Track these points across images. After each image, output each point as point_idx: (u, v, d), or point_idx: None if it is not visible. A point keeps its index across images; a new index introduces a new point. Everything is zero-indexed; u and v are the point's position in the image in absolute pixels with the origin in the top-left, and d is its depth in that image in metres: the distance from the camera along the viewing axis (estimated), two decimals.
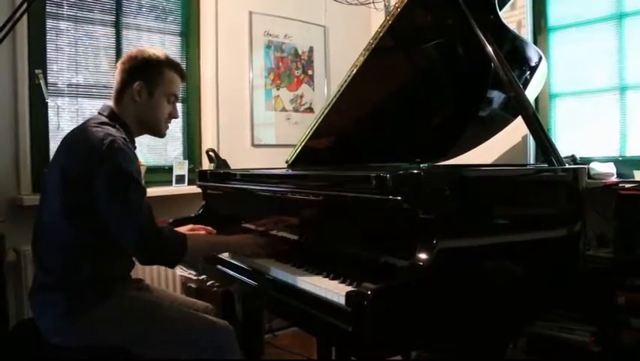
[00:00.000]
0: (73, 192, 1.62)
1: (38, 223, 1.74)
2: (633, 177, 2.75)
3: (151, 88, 1.79)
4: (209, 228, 2.06)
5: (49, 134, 2.73)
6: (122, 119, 1.78)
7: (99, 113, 1.81)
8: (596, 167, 2.78)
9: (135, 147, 1.85)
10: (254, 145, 3.50)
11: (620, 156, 2.94)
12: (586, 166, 1.86)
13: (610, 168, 2.80)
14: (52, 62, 2.77)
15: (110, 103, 1.83)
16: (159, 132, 1.90)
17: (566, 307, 2.79)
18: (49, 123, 2.74)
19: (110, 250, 1.68)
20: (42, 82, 2.64)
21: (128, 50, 3.01)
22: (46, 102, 2.70)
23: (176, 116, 1.91)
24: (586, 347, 2.73)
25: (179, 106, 3.22)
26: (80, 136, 1.69)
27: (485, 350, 1.47)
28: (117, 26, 3.01)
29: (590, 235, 2.65)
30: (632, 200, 2.54)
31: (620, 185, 2.61)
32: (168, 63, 1.84)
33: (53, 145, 2.70)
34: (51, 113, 2.76)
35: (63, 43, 2.82)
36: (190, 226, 2.05)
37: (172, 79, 1.84)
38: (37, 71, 2.64)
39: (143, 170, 2.89)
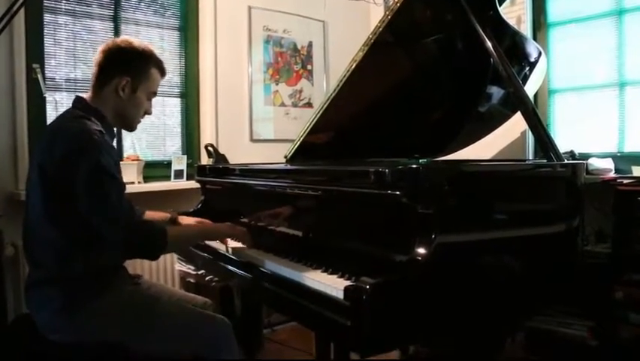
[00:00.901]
0: (54, 190, 1.60)
1: (26, 221, 1.73)
2: (631, 173, 2.75)
3: (135, 85, 1.78)
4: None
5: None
6: (99, 110, 1.75)
7: (73, 106, 1.77)
8: (595, 162, 2.78)
9: (114, 136, 1.85)
10: (253, 140, 3.50)
11: (619, 152, 2.94)
12: (584, 162, 1.86)
13: (608, 164, 2.80)
14: (50, 57, 2.77)
15: (85, 94, 1.80)
16: (132, 127, 1.89)
17: (564, 302, 2.80)
18: (47, 118, 2.73)
19: (97, 243, 1.66)
20: (40, 76, 2.63)
21: None
22: (44, 97, 2.69)
23: (150, 113, 1.90)
24: (584, 342, 2.74)
25: (177, 101, 3.27)
26: (56, 133, 1.67)
27: (484, 345, 1.47)
28: (116, 21, 3.01)
29: (588, 231, 2.66)
30: (630, 196, 2.54)
31: (619, 180, 2.61)
32: (155, 60, 1.83)
33: None
34: (49, 107, 2.75)
35: (61, 37, 2.82)
36: (196, 219, 2.07)
37: (155, 77, 1.84)
38: (34, 66, 2.63)
39: (141, 165, 2.89)
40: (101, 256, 1.69)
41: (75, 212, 1.58)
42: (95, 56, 1.80)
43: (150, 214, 2.09)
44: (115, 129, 1.87)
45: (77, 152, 1.57)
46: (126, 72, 1.76)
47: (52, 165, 1.59)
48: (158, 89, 1.90)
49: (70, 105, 1.79)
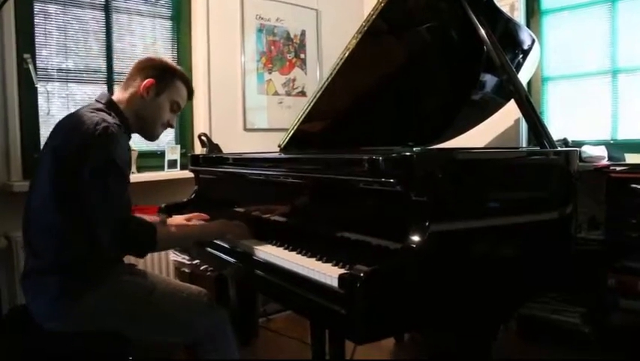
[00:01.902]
0: (64, 175, 1.61)
1: (28, 208, 1.73)
2: (624, 161, 2.76)
3: (160, 89, 1.82)
4: (204, 215, 2.06)
5: (40, 120, 2.71)
6: (122, 110, 1.79)
7: (96, 100, 1.81)
8: (588, 150, 2.79)
9: (130, 137, 1.86)
10: (246, 129, 3.49)
11: (612, 140, 2.95)
12: (578, 149, 1.86)
13: (601, 152, 2.81)
14: (40, 47, 2.74)
15: (115, 94, 1.84)
16: (152, 135, 1.91)
17: (557, 290, 2.82)
18: (39, 109, 2.72)
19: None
20: (31, 67, 2.61)
21: (119, 34, 3.00)
22: (36, 88, 2.68)
23: (172, 126, 1.96)
24: (576, 329, 2.76)
25: None
26: (74, 120, 1.68)
27: (477, 332, 1.48)
28: (107, 9, 2.98)
29: (580, 218, 2.67)
30: (623, 183, 2.55)
31: (612, 168, 2.62)
32: (182, 76, 1.90)
33: (43, 131, 2.69)
34: (41, 98, 2.73)
35: (52, 27, 2.79)
36: (186, 216, 2.06)
37: (181, 89, 1.89)
38: (25, 56, 2.61)
39: (135, 155, 2.88)
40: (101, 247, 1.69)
41: (81, 201, 1.60)
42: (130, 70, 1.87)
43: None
44: (143, 137, 1.92)
45: (93, 139, 1.58)
46: (152, 74, 1.81)
47: (67, 149, 1.61)
48: (183, 104, 1.94)
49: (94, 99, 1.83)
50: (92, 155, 1.57)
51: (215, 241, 1.89)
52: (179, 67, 1.93)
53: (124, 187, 1.66)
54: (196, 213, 2.07)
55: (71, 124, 1.68)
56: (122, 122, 1.75)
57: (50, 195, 1.63)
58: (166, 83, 1.84)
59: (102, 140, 1.59)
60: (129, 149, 1.77)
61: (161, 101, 1.84)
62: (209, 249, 1.90)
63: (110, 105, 1.78)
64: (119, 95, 1.84)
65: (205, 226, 1.97)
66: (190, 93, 1.95)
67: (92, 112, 1.69)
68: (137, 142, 3.09)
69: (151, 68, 1.83)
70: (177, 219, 2.06)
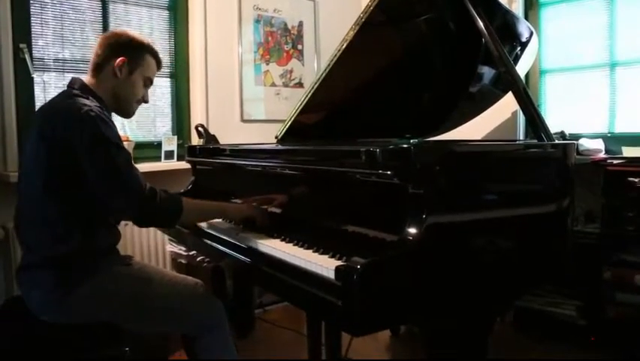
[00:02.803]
0: (55, 163, 1.61)
1: (19, 202, 1.73)
2: (621, 154, 2.77)
3: (132, 67, 1.81)
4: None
5: (36, 110, 2.69)
6: (96, 92, 1.77)
7: (69, 86, 1.78)
8: (585, 143, 2.80)
9: (111, 116, 1.83)
10: (243, 120, 3.48)
11: (609, 133, 2.96)
12: (575, 142, 1.86)
13: (598, 145, 2.81)
14: (37, 37, 2.73)
15: (83, 77, 1.81)
16: (128, 112, 1.90)
17: (553, 282, 2.83)
18: (36, 99, 2.71)
19: (94, 221, 1.68)
20: (27, 57, 2.60)
21: (116, 23, 2.98)
22: (32, 78, 2.66)
23: (147, 101, 1.94)
24: (572, 321, 2.77)
25: (167, 82, 3.24)
26: (55, 107, 1.69)
27: (473, 324, 1.49)
28: None
29: (577, 211, 2.67)
30: (620, 176, 2.56)
31: (609, 161, 2.63)
32: (150, 49, 1.88)
33: None
34: (37, 89, 2.72)
35: (48, 16, 2.77)
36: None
37: (151, 64, 1.88)
38: (21, 46, 2.60)
39: (131, 145, 2.87)
40: (97, 234, 1.69)
41: (78, 187, 1.60)
42: (94, 48, 1.83)
43: None
44: (119, 115, 1.90)
45: (79, 124, 1.58)
46: (123, 53, 1.79)
47: (54, 136, 1.60)
48: (154, 77, 1.93)
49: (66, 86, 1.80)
50: (82, 140, 1.57)
51: (211, 232, 1.89)
52: (145, 39, 1.89)
53: (128, 159, 1.66)
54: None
55: (54, 111, 1.68)
56: (99, 103, 1.73)
57: (42, 186, 1.63)
58: (137, 60, 1.82)
59: (86, 123, 1.58)
60: (114, 126, 1.73)
61: (134, 78, 1.83)
62: (205, 240, 1.90)
63: (85, 90, 1.75)
64: (90, 77, 1.81)
65: (232, 204, 1.97)
66: (159, 65, 1.93)
67: (69, 98, 1.68)
68: (134, 133, 3.09)
69: (120, 45, 1.80)
70: None
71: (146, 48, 1.86)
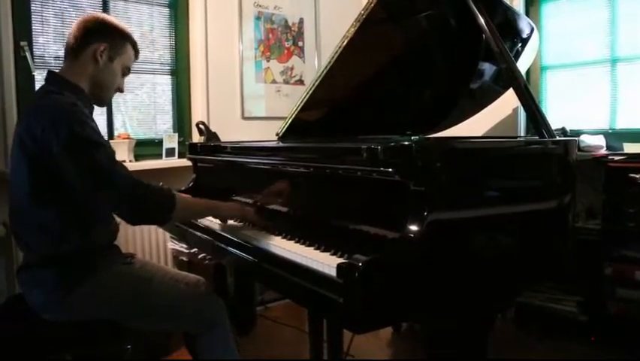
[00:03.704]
0: (38, 169, 1.58)
1: (12, 204, 1.71)
2: (622, 150, 2.76)
3: (112, 54, 1.75)
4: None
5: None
6: (73, 81, 1.71)
7: (45, 82, 1.73)
8: (586, 139, 2.79)
9: (93, 107, 1.80)
10: (244, 118, 3.48)
11: (610, 129, 2.95)
12: (576, 139, 1.86)
13: (600, 141, 2.81)
14: (37, 34, 2.73)
15: (65, 63, 1.76)
16: (105, 100, 1.86)
17: (554, 278, 2.83)
18: None
19: (90, 219, 1.66)
20: (28, 54, 2.60)
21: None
22: (33, 75, 2.66)
23: (122, 91, 1.88)
24: (573, 317, 2.78)
25: (168, 79, 3.24)
26: (30, 112, 1.63)
27: (474, 321, 1.49)
28: None
29: (578, 208, 2.68)
30: (621, 172, 2.56)
31: (610, 157, 2.63)
32: (131, 38, 1.82)
33: None
34: (38, 86, 2.70)
35: (49, 14, 2.77)
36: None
37: (130, 53, 1.83)
38: (22, 43, 2.60)
39: (132, 143, 2.87)
40: (93, 232, 1.68)
41: (63, 190, 1.57)
42: (70, 30, 1.76)
43: None
44: (93, 104, 1.81)
45: (51, 126, 1.53)
46: (104, 39, 1.73)
47: (33, 144, 1.56)
48: (133, 65, 1.88)
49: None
50: (56, 139, 1.51)
51: (213, 229, 1.89)
52: (124, 26, 1.82)
53: (110, 155, 1.59)
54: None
55: (29, 117, 1.61)
56: (76, 94, 1.68)
57: (29, 193, 1.61)
58: (118, 48, 1.76)
59: (63, 123, 1.53)
60: (91, 119, 1.68)
61: (114, 66, 1.77)
62: (207, 237, 1.90)
63: (61, 83, 1.69)
64: (69, 63, 1.74)
65: (225, 203, 1.89)
66: (137, 55, 1.87)
67: (42, 99, 1.63)
68: (135, 131, 3.09)
69: (100, 31, 1.73)
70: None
71: (126, 36, 1.80)
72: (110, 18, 1.82)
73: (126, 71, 1.84)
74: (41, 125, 1.54)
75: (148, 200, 1.60)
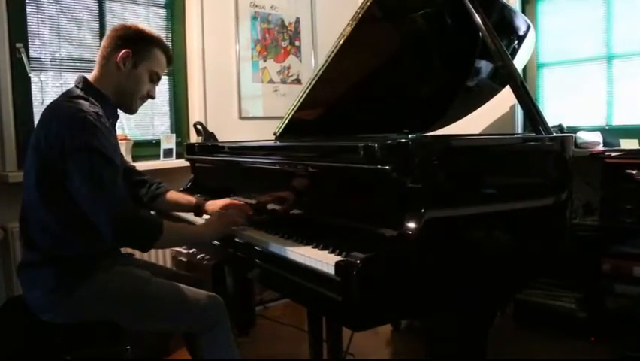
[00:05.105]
0: (47, 170, 1.58)
1: (22, 202, 1.71)
2: (619, 146, 2.77)
3: (137, 60, 1.75)
4: (244, 205, 1.95)
5: (33, 109, 2.69)
6: (100, 89, 1.73)
7: (75, 85, 1.74)
8: (583, 136, 2.80)
9: (117, 117, 1.82)
10: (241, 118, 3.48)
11: (607, 125, 2.96)
12: (573, 135, 1.86)
13: (597, 137, 2.81)
14: (33, 36, 2.72)
15: (89, 74, 1.77)
16: (131, 108, 1.84)
17: (552, 275, 2.83)
18: (33, 99, 2.70)
19: (89, 222, 1.65)
20: (24, 56, 2.59)
21: (112, 22, 2.98)
22: (29, 77, 2.65)
23: (153, 97, 1.87)
24: (572, 313, 2.78)
25: (165, 80, 3.23)
26: (52, 112, 1.64)
27: (473, 318, 1.49)
28: None
29: (576, 204, 2.68)
30: (618, 168, 2.56)
31: (607, 154, 2.63)
32: (159, 43, 1.81)
33: (38, 121, 2.67)
34: (35, 88, 2.71)
35: (44, 15, 2.77)
36: (223, 203, 1.98)
37: (159, 58, 1.81)
38: (17, 45, 2.59)
39: (129, 144, 2.87)
40: (97, 236, 1.67)
41: (67, 196, 1.56)
42: (103, 41, 1.78)
43: (174, 196, 2.08)
44: (121, 110, 1.83)
45: (69, 131, 1.53)
46: (128, 46, 1.73)
47: (47, 143, 1.57)
48: (162, 73, 1.87)
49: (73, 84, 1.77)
50: (72, 147, 1.52)
51: None
52: (156, 33, 1.82)
53: (115, 175, 1.58)
54: (236, 202, 1.99)
55: (50, 117, 1.62)
56: (103, 104, 1.69)
57: (36, 193, 1.61)
58: (143, 53, 1.76)
59: (80, 131, 1.53)
60: (113, 135, 1.70)
61: (139, 72, 1.76)
62: None
63: (87, 88, 1.71)
64: (96, 71, 1.76)
65: (208, 229, 1.82)
66: (169, 60, 1.86)
67: (68, 101, 1.63)
68: (132, 131, 3.09)
69: (126, 37, 1.74)
70: (215, 205, 2.00)
71: (154, 41, 1.79)
72: (139, 25, 1.82)
73: (155, 77, 1.83)
74: (59, 128, 1.55)
75: (135, 226, 1.57)
